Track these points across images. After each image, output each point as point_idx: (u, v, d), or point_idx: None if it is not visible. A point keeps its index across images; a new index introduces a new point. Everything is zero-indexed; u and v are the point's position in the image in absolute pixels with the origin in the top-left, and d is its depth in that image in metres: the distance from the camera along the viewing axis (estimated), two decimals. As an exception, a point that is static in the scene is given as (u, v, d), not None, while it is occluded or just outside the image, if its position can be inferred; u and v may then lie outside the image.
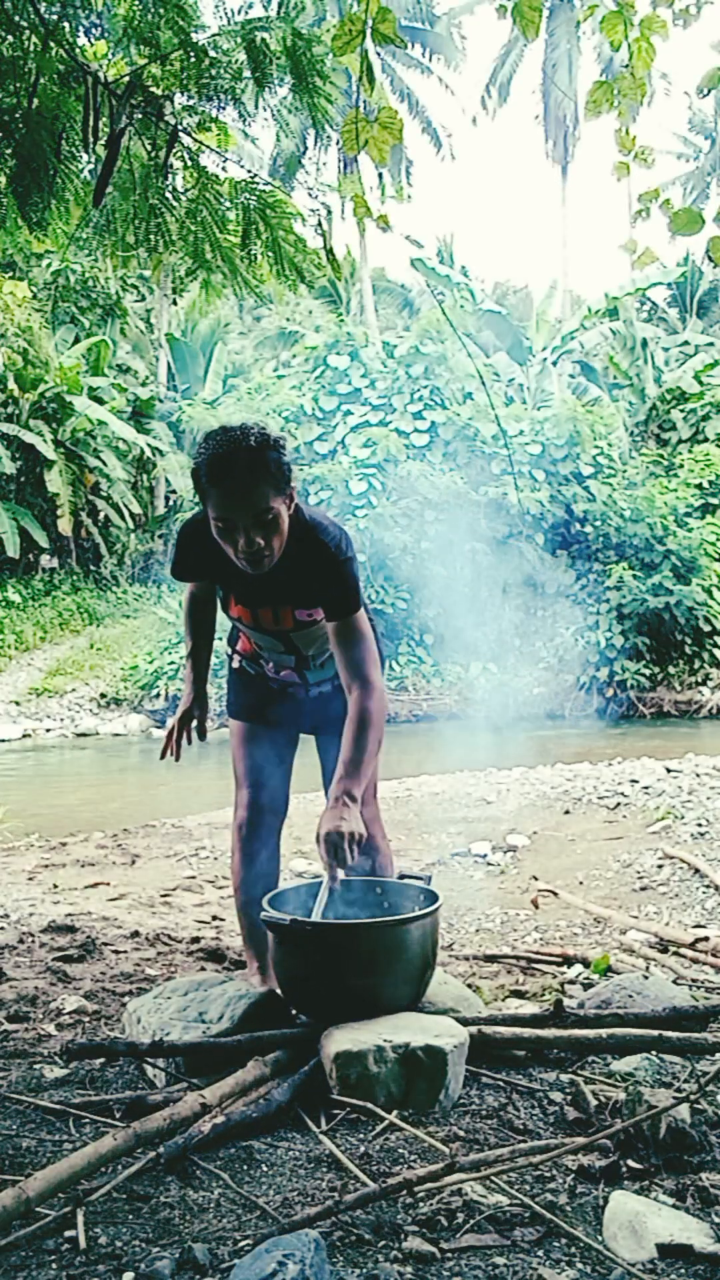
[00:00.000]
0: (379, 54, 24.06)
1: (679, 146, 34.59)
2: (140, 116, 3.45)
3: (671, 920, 4.37)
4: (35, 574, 21.80)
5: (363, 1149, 1.72)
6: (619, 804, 6.31)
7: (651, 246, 3.68)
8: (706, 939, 3.72)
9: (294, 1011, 2.24)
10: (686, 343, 24.39)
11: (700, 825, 5.61)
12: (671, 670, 16.63)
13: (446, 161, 42.74)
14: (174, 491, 23.39)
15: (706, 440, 19.69)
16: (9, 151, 3.39)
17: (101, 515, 22.10)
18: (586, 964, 3.49)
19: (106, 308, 23.40)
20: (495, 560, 16.90)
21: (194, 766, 10.31)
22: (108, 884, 5.16)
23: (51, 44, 3.24)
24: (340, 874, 2.19)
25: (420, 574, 16.40)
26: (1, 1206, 1.44)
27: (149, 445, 22.06)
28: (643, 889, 4.84)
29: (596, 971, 3.34)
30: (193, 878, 5.36)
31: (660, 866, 5.05)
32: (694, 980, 3.22)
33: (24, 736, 16.15)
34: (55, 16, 3.33)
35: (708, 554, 17.01)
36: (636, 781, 6.77)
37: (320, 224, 3.49)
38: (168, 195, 3.57)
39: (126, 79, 3.35)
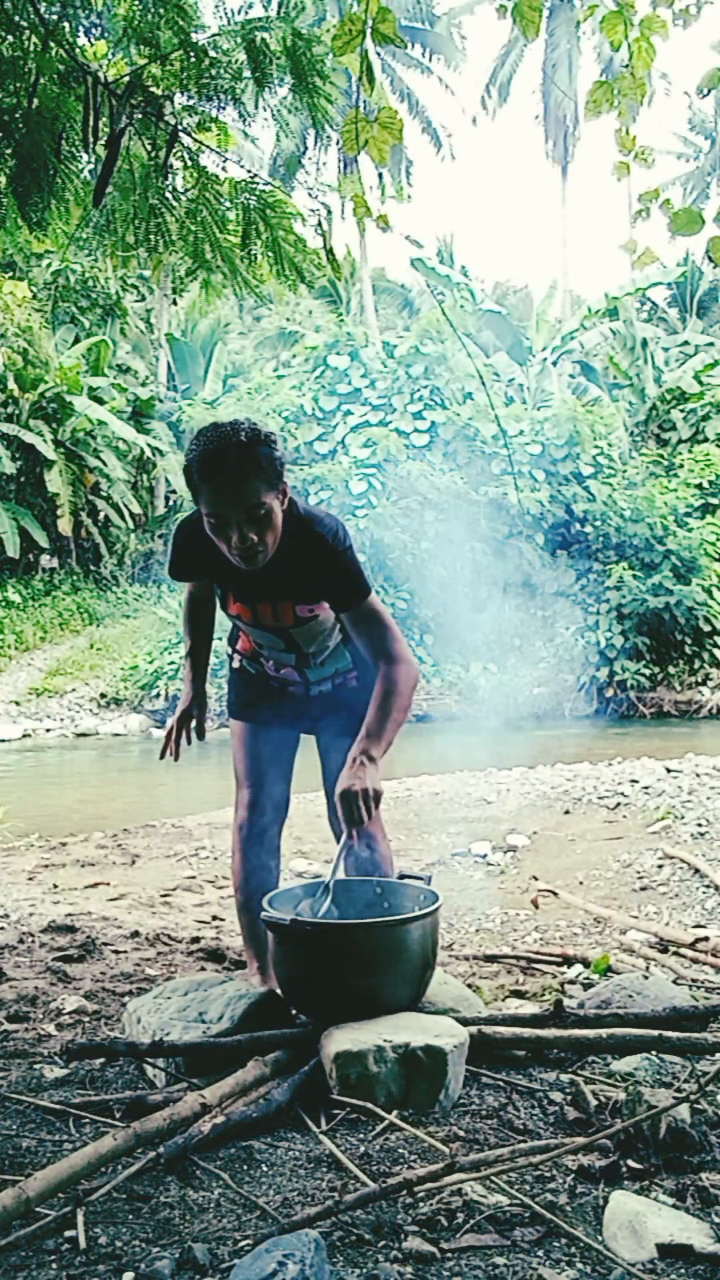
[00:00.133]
0: (379, 54, 24.07)
1: (679, 146, 34.61)
2: (140, 116, 3.45)
3: (671, 920, 4.37)
4: (35, 574, 21.81)
5: (363, 1149, 1.72)
6: (619, 804, 6.31)
7: (651, 246, 3.67)
8: (706, 939, 3.72)
9: (294, 1011, 2.24)
10: (686, 343, 24.40)
11: (700, 825, 5.61)
12: (671, 670, 16.64)
13: (446, 161, 42.81)
14: (174, 491, 23.40)
15: (706, 440, 19.70)
16: (9, 151, 3.38)
17: (101, 515, 22.11)
18: (586, 964, 3.49)
19: (106, 308, 23.41)
20: (495, 560, 16.91)
21: (194, 766, 10.32)
22: (108, 884, 5.16)
23: (51, 44, 3.24)
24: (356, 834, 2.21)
25: (420, 574, 16.41)
26: (1, 1206, 1.44)
27: (149, 445, 22.07)
28: (643, 889, 4.84)
29: (596, 971, 3.34)
30: (193, 878, 5.36)
31: (660, 866, 5.05)
32: (694, 980, 3.21)
33: (24, 736, 16.16)
34: (55, 16, 3.33)
35: (708, 554, 17.02)
36: (636, 781, 6.77)
37: (320, 224, 3.49)
38: (168, 195, 3.57)
39: (126, 79, 3.35)
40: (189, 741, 2.72)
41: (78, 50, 3.43)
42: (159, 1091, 1.99)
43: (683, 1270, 1.37)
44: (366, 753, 2.26)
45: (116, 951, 3.56)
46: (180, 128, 3.50)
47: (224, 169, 3.68)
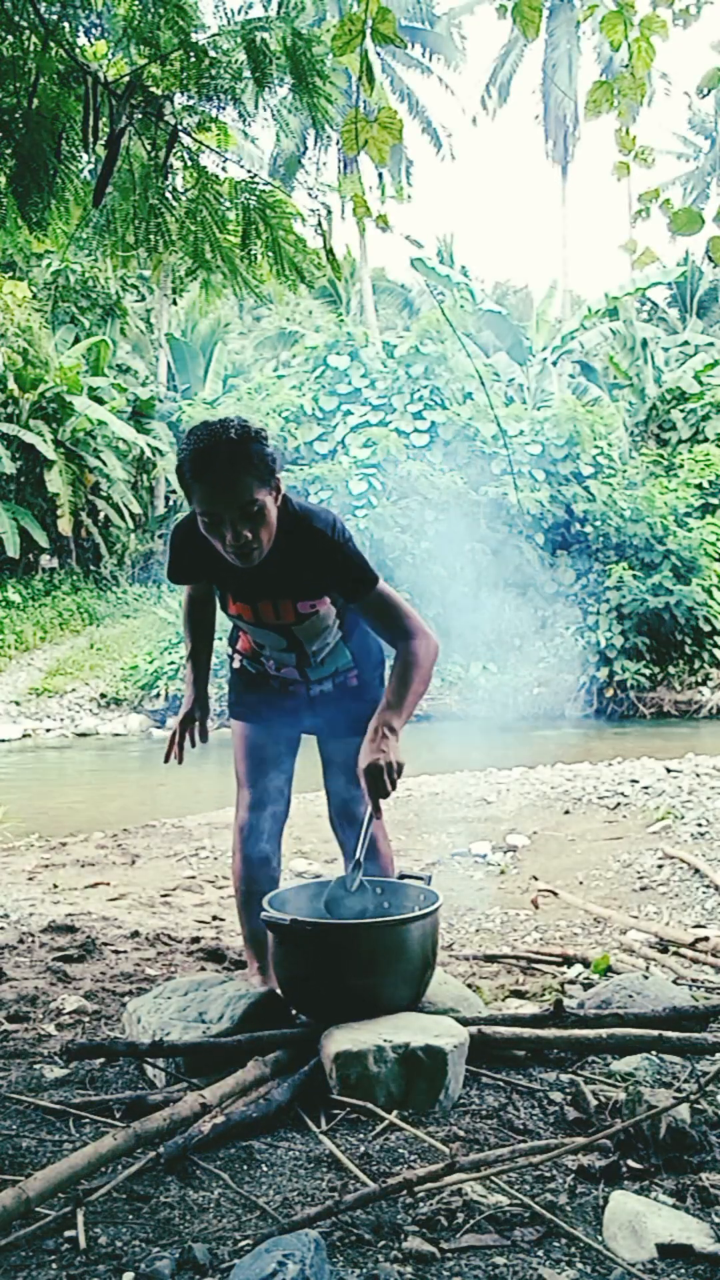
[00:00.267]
0: (379, 54, 24.06)
1: (679, 146, 34.61)
2: (140, 116, 3.45)
3: (671, 920, 4.37)
4: (35, 574, 21.80)
5: (363, 1149, 1.72)
6: (619, 804, 6.31)
7: (651, 246, 3.68)
8: (706, 939, 3.72)
9: (294, 1011, 2.24)
10: (686, 343, 24.38)
11: (700, 825, 5.61)
12: (671, 670, 16.63)
13: (446, 161, 42.73)
14: (174, 491, 23.38)
15: (706, 440, 19.70)
16: (9, 151, 3.38)
17: (101, 515, 22.11)
18: (586, 964, 3.49)
19: (106, 308, 23.40)
20: (495, 560, 16.91)
21: (195, 767, 10.26)
22: (108, 884, 5.16)
23: (51, 44, 3.24)
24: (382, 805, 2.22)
25: (420, 574, 16.40)
26: (1, 1206, 1.44)
27: (149, 445, 22.06)
28: (643, 889, 4.84)
29: (596, 971, 3.34)
30: (193, 878, 5.36)
31: (660, 866, 5.05)
32: (694, 980, 3.21)
33: (24, 736, 16.15)
34: (55, 16, 3.33)
35: (708, 554, 17.02)
36: (636, 781, 6.77)
37: (320, 224, 3.49)
38: (168, 195, 3.57)
39: (126, 79, 3.35)
40: (193, 744, 2.73)
41: (78, 50, 3.43)
42: (159, 1091, 1.99)
43: (683, 1270, 1.37)
44: (388, 724, 2.24)
45: (116, 951, 3.56)
46: (180, 128, 3.50)
47: (224, 169, 3.69)
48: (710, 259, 3.16)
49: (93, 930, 3.86)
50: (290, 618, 2.47)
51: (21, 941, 3.65)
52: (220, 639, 2.80)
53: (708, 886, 4.67)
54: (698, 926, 4.21)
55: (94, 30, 3.98)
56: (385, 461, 17.09)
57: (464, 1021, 2.12)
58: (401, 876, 2.46)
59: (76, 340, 22.53)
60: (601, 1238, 1.44)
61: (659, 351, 22.13)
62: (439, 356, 18.20)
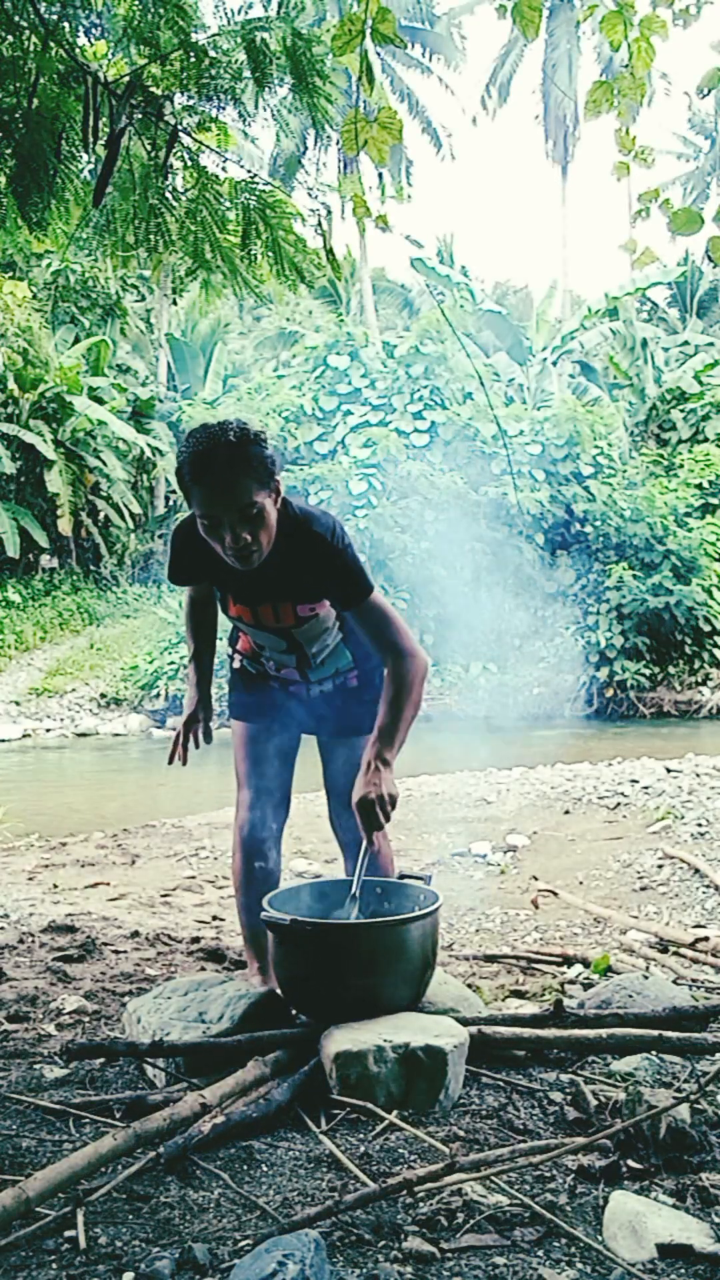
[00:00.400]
0: (379, 54, 24.06)
1: (679, 146, 34.62)
2: (140, 116, 3.45)
3: (671, 920, 4.37)
4: (35, 574, 21.80)
5: (363, 1149, 1.72)
6: (619, 804, 6.31)
7: (651, 246, 3.68)
8: (706, 939, 3.72)
9: (294, 1011, 2.24)
10: (686, 343, 24.39)
11: (700, 825, 5.61)
12: (671, 670, 16.64)
13: (446, 161, 42.72)
14: (174, 491, 23.37)
15: (706, 440, 19.70)
16: (9, 151, 3.38)
17: (101, 515, 22.11)
18: (586, 964, 3.49)
19: (106, 308, 23.41)
20: (495, 560, 16.91)
21: (195, 767, 10.24)
22: (108, 884, 5.16)
23: (51, 44, 3.24)
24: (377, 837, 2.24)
25: (420, 574, 16.41)
26: (1, 1206, 1.44)
27: (149, 445, 22.07)
28: (643, 889, 4.84)
29: (596, 971, 3.34)
30: (193, 878, 5.36)
31: (660, 866, 5.05)
32: (694, 980, 3.21)
33: (24, 736, 16.15)
34: (55, 16, 3.33)
35: (708, 554, 17.02)
36: (636, 781, 6.77)
37: (320, 224, 3.49)
38: (168, 195, 3.57)
39: (126, 79, 3.35)
40: (196, 745, 2.73)
41: (78, 50, 3.43)
42: (159, 1091, 1.99)
43: (683, 1270, 1.37)
44: (380, 756, 2.26)
45: (116, 951, 3.56)
46: (180, 128, 3.50)
47: (224, 169, 3.68)
48: (710, 259, 3.16)
49: (93, 930, 3.86)
50: (290, 620, 2.48)
51: (21, 941, 3.65)
52: (221, 639, 2.80)
53: (708, 886, 4.67)
54: (698, 926, 4.21)
55: (94, 30, 3.98)
56: (385, 461, 17.09)
57: (464, 1021, 2.12)
58: (401, 876, 2.46)
59: (76, 340, 22.53)
60: (601, 1238, 1.44)
61: (659, 351, 22.14)
62: (439, 356, 18.20)
